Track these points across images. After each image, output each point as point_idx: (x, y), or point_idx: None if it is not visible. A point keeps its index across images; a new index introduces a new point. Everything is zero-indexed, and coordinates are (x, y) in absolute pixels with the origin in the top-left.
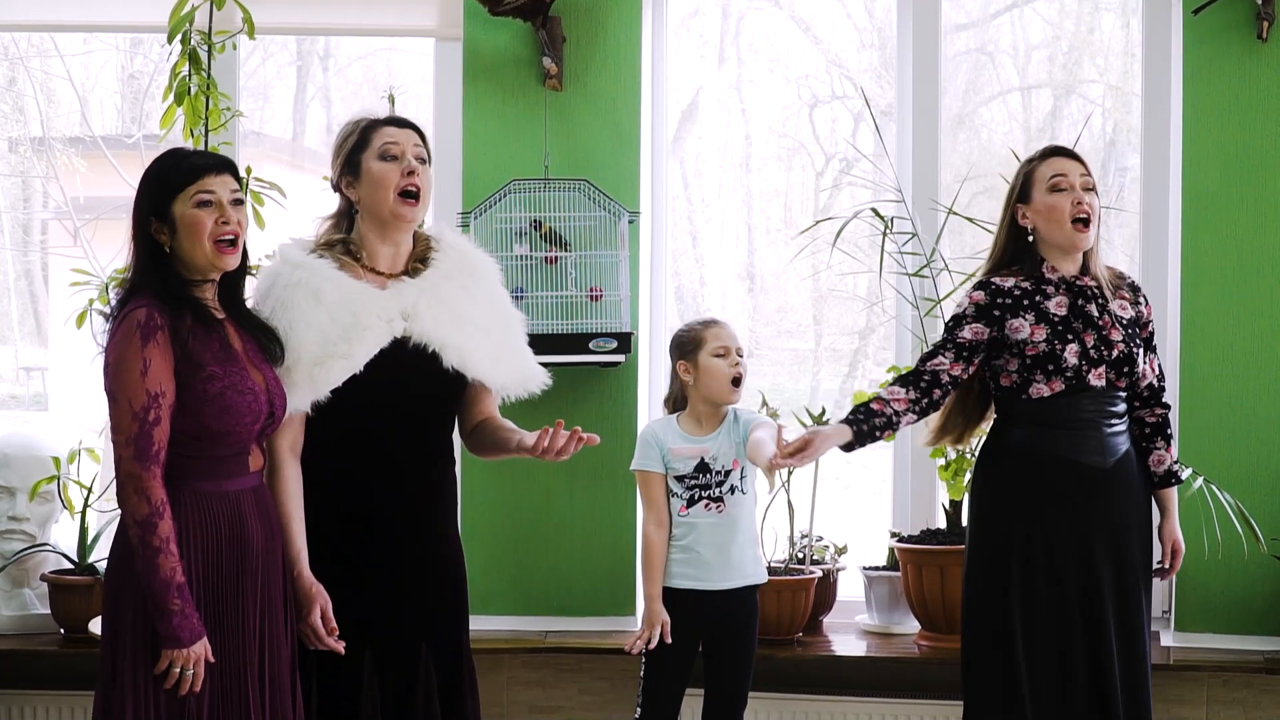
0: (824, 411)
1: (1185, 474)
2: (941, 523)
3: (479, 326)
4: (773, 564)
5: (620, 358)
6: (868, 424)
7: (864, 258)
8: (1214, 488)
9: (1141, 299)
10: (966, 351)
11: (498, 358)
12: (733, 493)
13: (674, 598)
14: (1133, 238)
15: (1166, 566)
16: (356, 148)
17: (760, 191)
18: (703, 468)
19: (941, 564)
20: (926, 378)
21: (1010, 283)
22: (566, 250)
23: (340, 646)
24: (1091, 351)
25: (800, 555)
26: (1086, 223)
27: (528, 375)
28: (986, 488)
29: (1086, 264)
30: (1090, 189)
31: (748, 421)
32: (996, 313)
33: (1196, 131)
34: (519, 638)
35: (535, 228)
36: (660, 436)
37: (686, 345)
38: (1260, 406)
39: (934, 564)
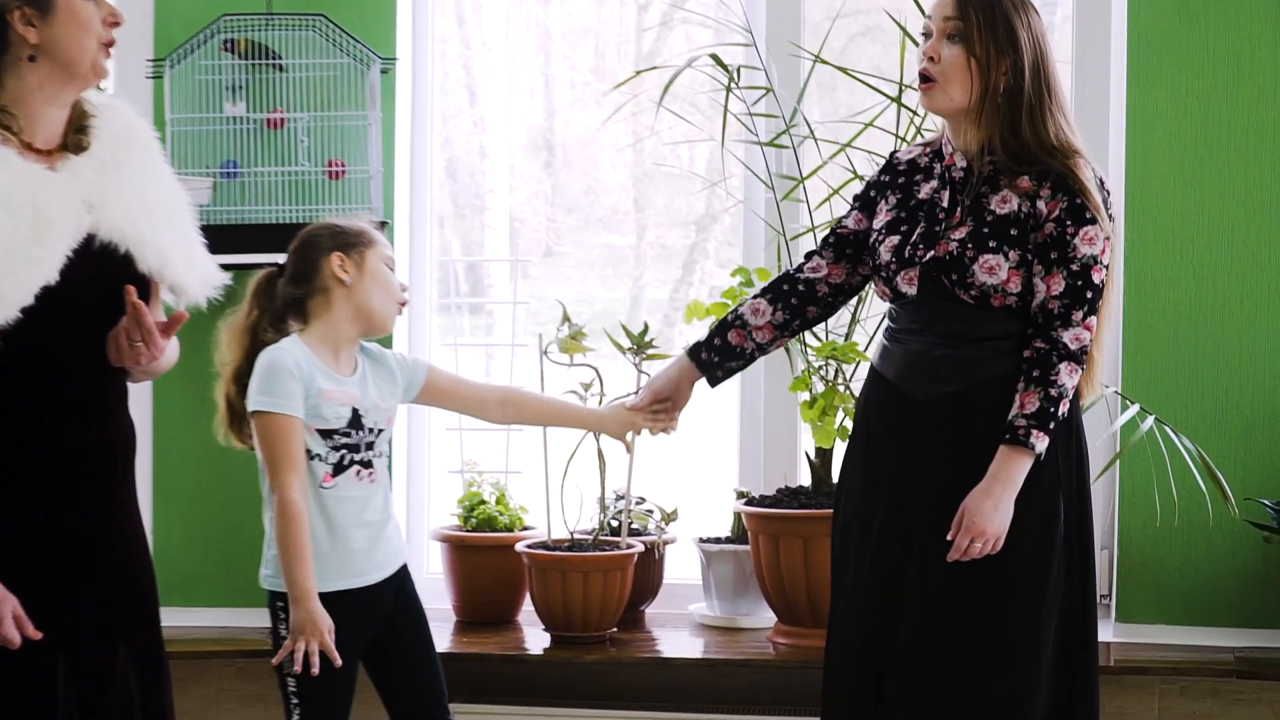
0: (646, 330)
1: (1039, 443)
2: (805, 479)
3: (165, 215)
4: (577, 534)
5: None
6: (722, 369)
7: (702, 122)
8: (1169, 430)
9: (1049, 190)
10: (850, 247)
11: (189, 257)
12: (380, 455)
13: (327, 604)
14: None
15: (949, 538)
16: None
17: (563, 31)
18: (355, 421)
19: (805, 534)
20: (800, 288)
21: (911, 155)
22: (297, 110)
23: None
24: (907, 249)
25: (613, 524)
26: (926, 80)
27: (210, 274)
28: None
29: (992, 138)
30: (956, 34)
31: (408, 362)
32: (873, 193)
33: None
34: (231, 637)
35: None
36: (304, 368)
37: (353, 236)
38: (1229, 325)
39: (795, 534)
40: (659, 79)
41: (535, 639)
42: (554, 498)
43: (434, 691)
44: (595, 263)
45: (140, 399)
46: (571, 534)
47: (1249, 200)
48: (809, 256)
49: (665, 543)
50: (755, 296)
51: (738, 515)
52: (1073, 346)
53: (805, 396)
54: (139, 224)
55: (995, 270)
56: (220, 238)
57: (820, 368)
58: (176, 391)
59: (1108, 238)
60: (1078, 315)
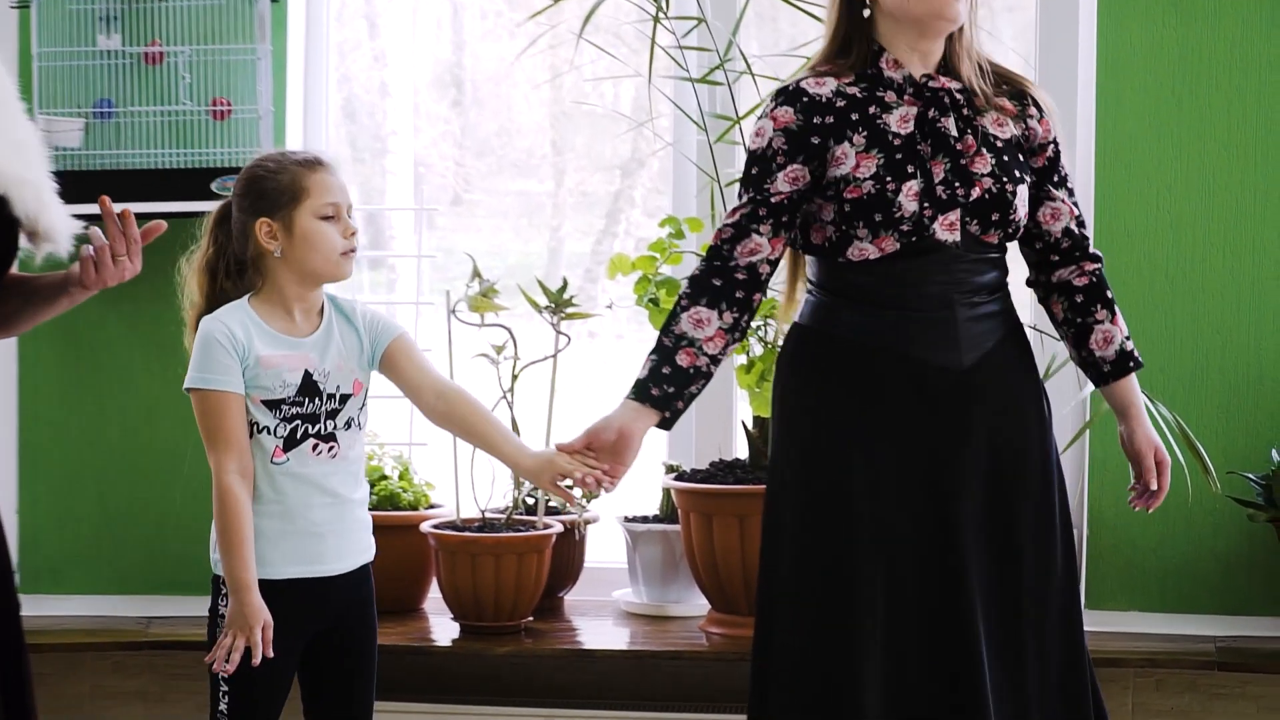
0: (565, 286)
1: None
2: (742, 451)
3: (36, 155)
4: (488, 513)
5: None
6: (681, 397)
7: (628, 56)
8: (1145, 398)
9: (1035, 109)
10: (787, 214)
11: (55, 201)
12: (349, 427)
13: (275, 594)
14: (1027, 27)
15: (1154, 488)
16: None
17: None
18: (309, 387)
19: (742, 512)
20: (741, 277)
21: (830, 87)
22: (177, 44)
23: None
24: (940, 189)
25: (529, 501)
26: None
27: (70, 223)
28: (789, 397)
29: (949, 58)
30: None
31: (378, 325)
32: (815, 139)
33: None
34: (107, 627)
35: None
36: (239, 335)
37: (276, 195)
38: (1210, 281)
39: (730, 512)
40: (579, 8)
41: (443, 629)
42: (463, 472)
43: (361, 717)
44: (509, 212)
45: (3, 365)
46: (483, 513)
47: (1231, 144)
48: (735, 240)
49: (586, 522)
50: (688, 307)
51: (667, 491)
52: None
53: (741, 360)
54: (13, 163)
55: (1024, 204)
56: (93, 184)
57: (758, 328)
58: (46, 357)
59: None
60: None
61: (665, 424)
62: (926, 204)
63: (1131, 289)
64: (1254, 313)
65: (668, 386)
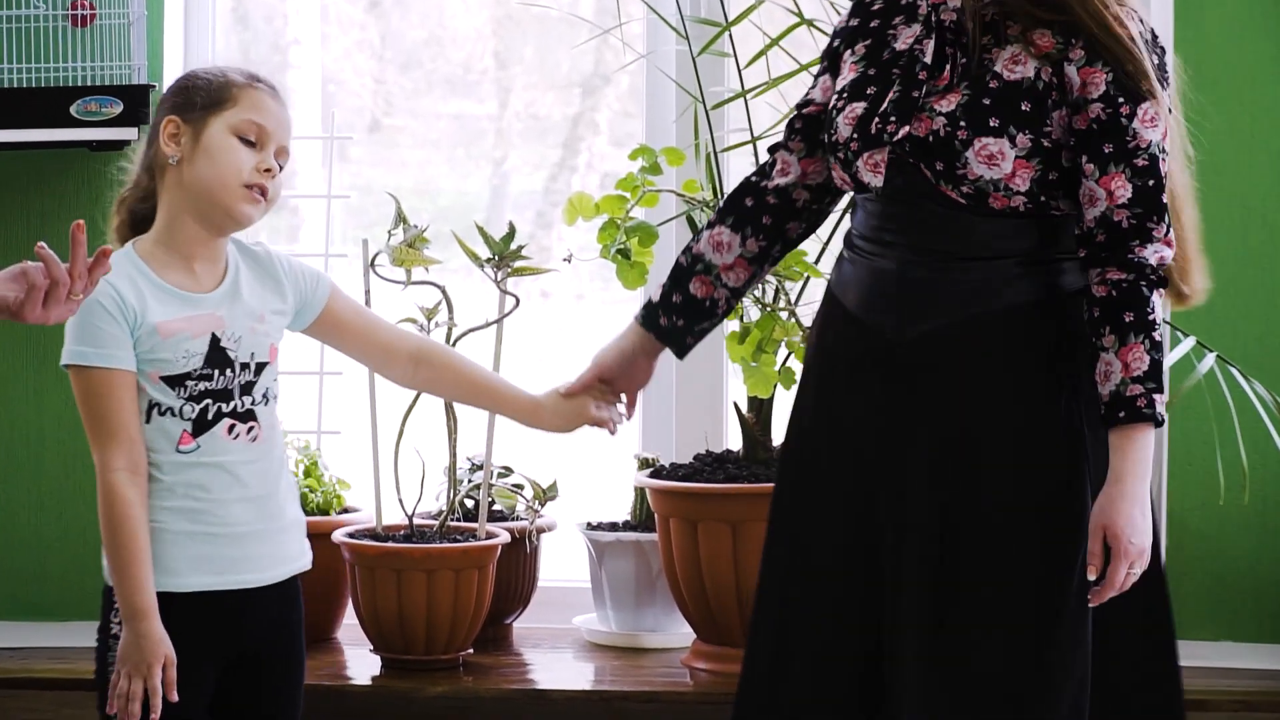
0: (512, 233)
1: (1162, 409)
2: (734, 441)
3: None
4: (417, 519)
5: (131, 132)
6: (693, 333)
7: None
8: (1235, 373)
9: (1084, 53)
10: (823, 129)
11: None
12: (266, 402)
13: (179, 611)
14: None
15: (1090, 577)
16: None
17: None
18: (217, 357)
19: (734, 516)
20: (772, 201)
21: None
22: None
23: None
24: (875, 122)
25: (467, 503)
26: None
27: None
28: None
29: None
30: None
31: (308, 275)
32: (838, 43)
33: None
34: None
35: None
36: (129, 298)
37: (197, 94)
38: None
39: (720, 517)
40: None
41: (361, 663)
42: (385, 467)
43: None
44: (441, 141)
45: None
46: (410, 518)
47: None
48: (773, 152)
49: (540, 530)
50: (713, 224)
51: (640, 492)
52: (1159, 269)
53: (734, 327)
54: None
55: (996, 159)
56: None
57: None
58: None
59: (1170, 110)
60: (1157, 226)
61: (677, 355)
62: (854, 136)
63: (1220, 241)
64: None
65: (677, 319)
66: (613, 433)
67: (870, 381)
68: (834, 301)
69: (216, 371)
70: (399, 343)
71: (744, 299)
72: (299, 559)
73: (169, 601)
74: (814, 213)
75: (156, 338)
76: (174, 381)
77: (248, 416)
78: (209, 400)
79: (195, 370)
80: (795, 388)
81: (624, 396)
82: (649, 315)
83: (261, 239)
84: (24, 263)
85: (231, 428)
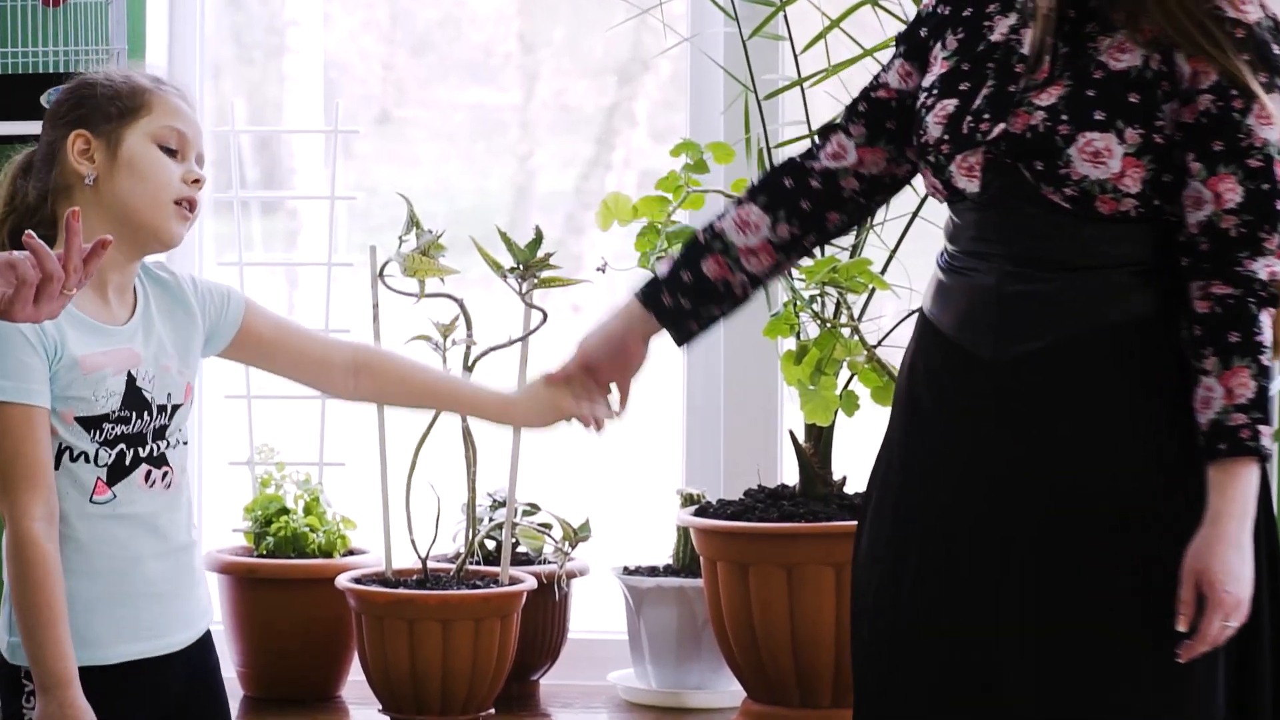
0: (539, 239)
1: (1269, 439)
2: (790, 475)
3: None
4: (432, 564)
5: None
6: (697, 317)
7: None
8: None
9: (1217, 38)
10: (893, 119)
11: None
12: (177, 446)
13: (102, 684)
14: None
15: (1181, 627)
16: None
17: None
18: (133, 398)
19: (791, 559)
20: (815, 185)
21: None
22: None
23: None
24: (967, 120)
25: (489, 544)
26: None
27: None
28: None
29: None
30: None
31: (217, 293)
32: (924, 31)
33: None
34: None
35: None
36: (46, 325)
37: (105, 103)
38: None
39: (774, 560)
40: None
41: None
42: (396, 504)
43: None
44: (458, 135)
45: None
46: (423, 561)
47: None
48: (826, 134)
49: (570, 575)
50: (741, 202)
51: (683, 532)
52: (1270, 285)
53: (790, 345)
54: None
55: (1102, 157)
56: None
57: (813, 299)
58: None
59: None
60: (1269, 236)
61: (677, 341)
62: (945, 136)
63: None
64: None
65: (683, 299)
66: (599, 430)
67: (966, 421)
68: (928, 327)
69: (133, 414)
70: (332, 353)
71: (800, 314)
72: (208, 613)
73: (89, 676)
74: (859, 207)
75: (77, 372)
76: (89, 424)
77: (161, 461)
78: (123, 444)
79: (113, 412)
80: (887, 422)
81: (614, 388)
82: (651, 292)
83: (256, 245)
84: (10, 253)
85: (148, 474)
